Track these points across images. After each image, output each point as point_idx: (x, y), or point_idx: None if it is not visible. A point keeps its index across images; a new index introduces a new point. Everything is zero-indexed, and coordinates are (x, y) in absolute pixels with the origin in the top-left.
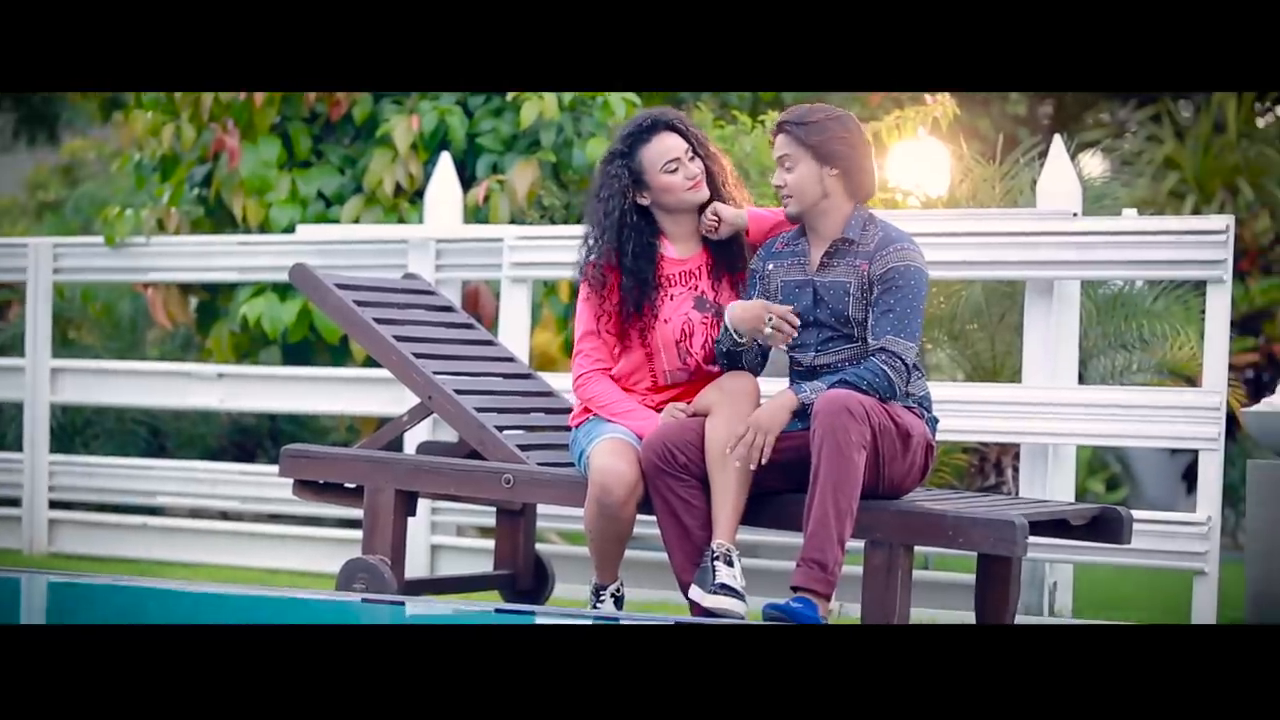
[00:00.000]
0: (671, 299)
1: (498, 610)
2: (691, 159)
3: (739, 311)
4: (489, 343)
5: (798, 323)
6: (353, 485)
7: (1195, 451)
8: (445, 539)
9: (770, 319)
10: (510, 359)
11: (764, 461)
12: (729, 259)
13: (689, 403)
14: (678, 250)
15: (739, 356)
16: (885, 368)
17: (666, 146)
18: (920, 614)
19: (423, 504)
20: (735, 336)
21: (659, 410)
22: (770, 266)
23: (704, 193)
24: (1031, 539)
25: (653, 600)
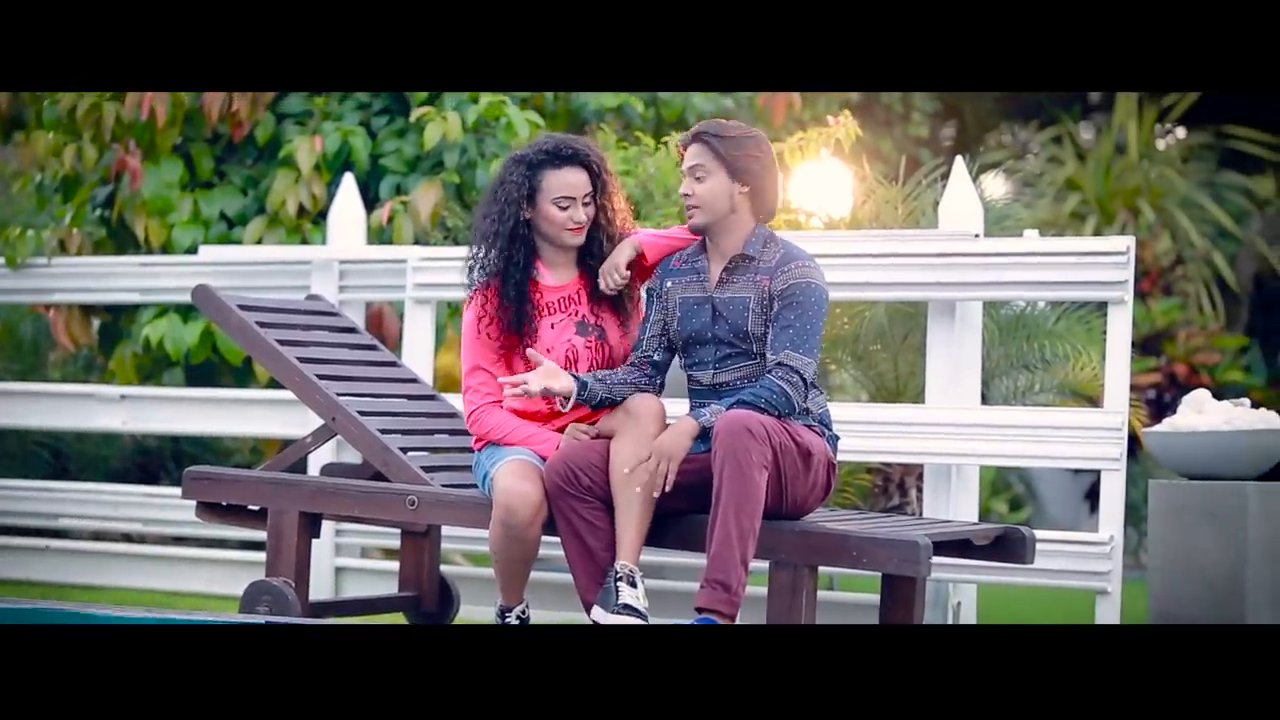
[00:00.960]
0: (552, 327)
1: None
2: (586, 204)
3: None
4: (392, 364)
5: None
6: (256, 507)
7: (1098, 471)
8: (350, 561)
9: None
10: (414, 380)
11: (668, 488)
12: None
13: (591, 424)
14: (554, 277)
15: (611, 403)
16: (783, 383)
17: (569, 182)
18: None
19: (327, 526)
20: (580, 397)
21: (559, 434)
22: (669, 284)
23: (580, 239)
24: (935, 559)
25: (558, 621)
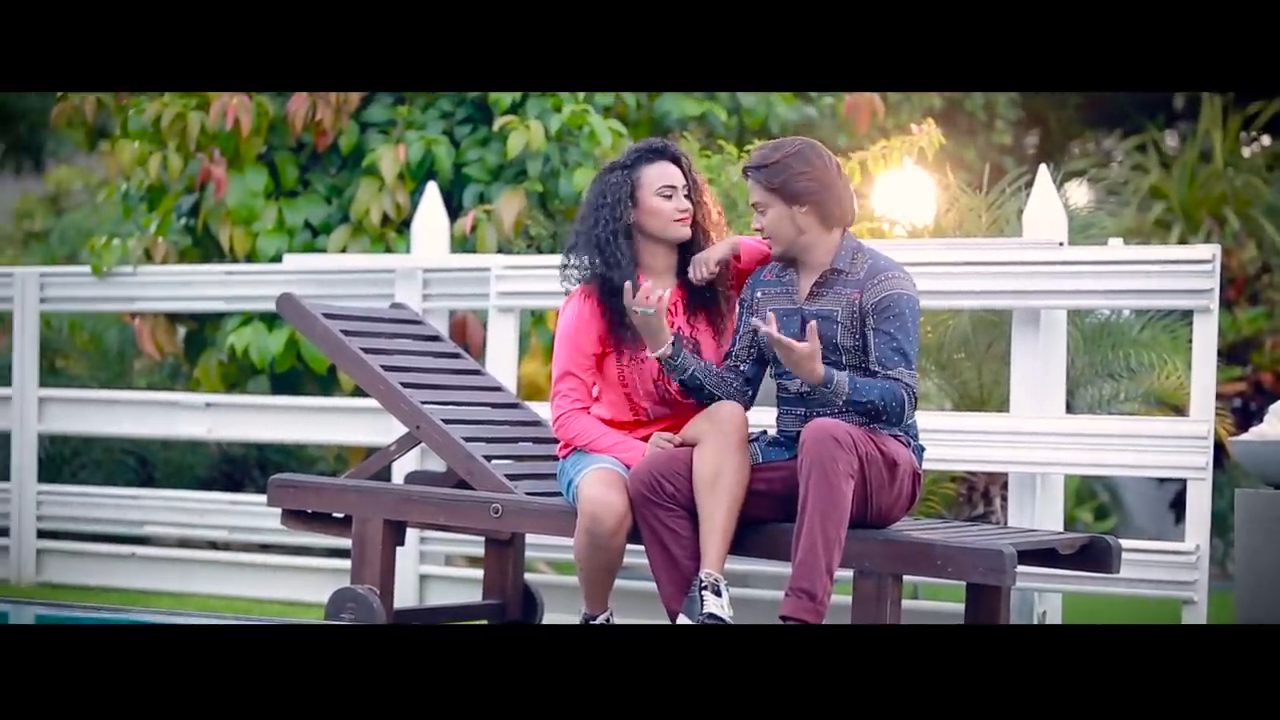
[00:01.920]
0: None
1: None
2: (685, 195)
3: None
4: (476, 372)
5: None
6: (341, 515)
7: (1183, 481)
8: (434, 568)
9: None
10: (498, 388)
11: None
12: (704, 293)
13: (675, 433)
14: (653, 286)
15: (696, 386)
16: (904, 395)
17: (668, 173)
18: None
19: (411, 533)
20: (670, 362)
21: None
22: (759, 295)
23: (686, 231)
24: (1020, 568)
25: None
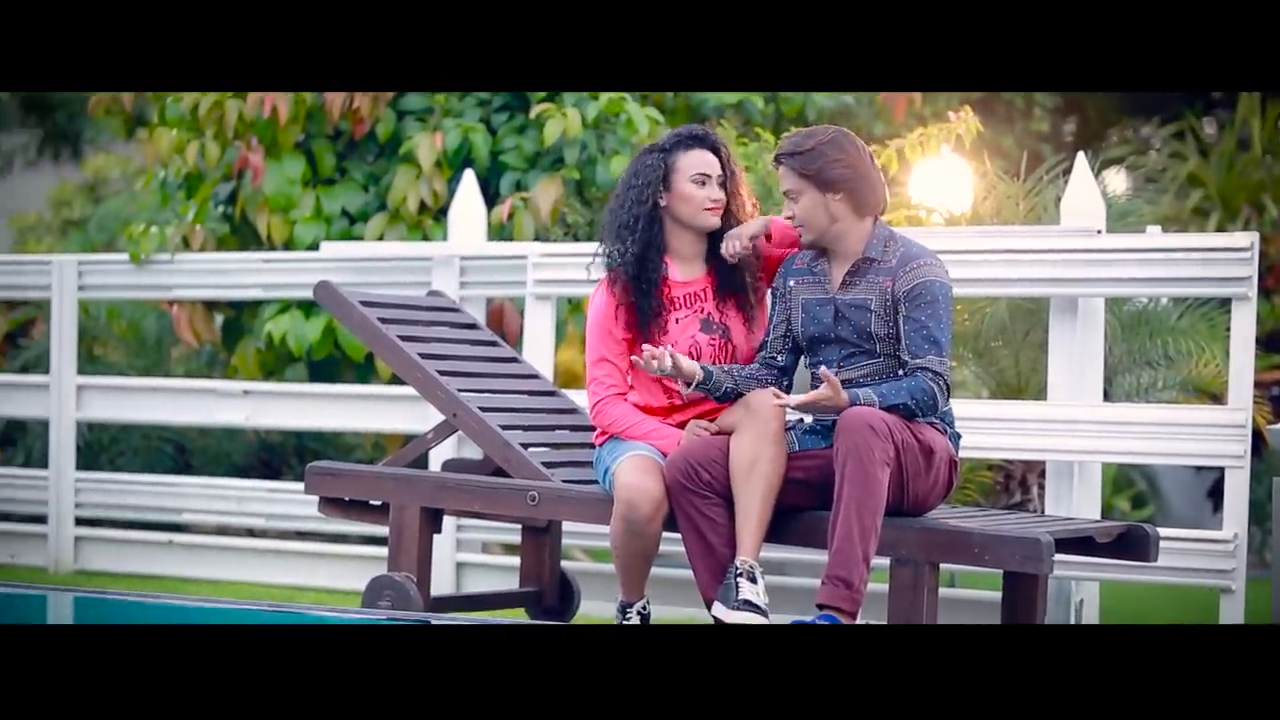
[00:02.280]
0: (677, 322)
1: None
2: (721, 185)
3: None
4: (513, 360)
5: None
6: (378, 502)
7: (1221, 469)
8: (471, 556)
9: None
10: (535, 376)
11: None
12: (734, 279)
13: (712, 420)
14: (682, 272)
15: (735, 396)
16: (933, 386)
17: (704, 160)
18: None
19: (448, 521)
20: (704, 387)
21: (679, 429)
22: (792, 283)
23: (715, 220)
24: (1058, 556)
25: (679, 617)
